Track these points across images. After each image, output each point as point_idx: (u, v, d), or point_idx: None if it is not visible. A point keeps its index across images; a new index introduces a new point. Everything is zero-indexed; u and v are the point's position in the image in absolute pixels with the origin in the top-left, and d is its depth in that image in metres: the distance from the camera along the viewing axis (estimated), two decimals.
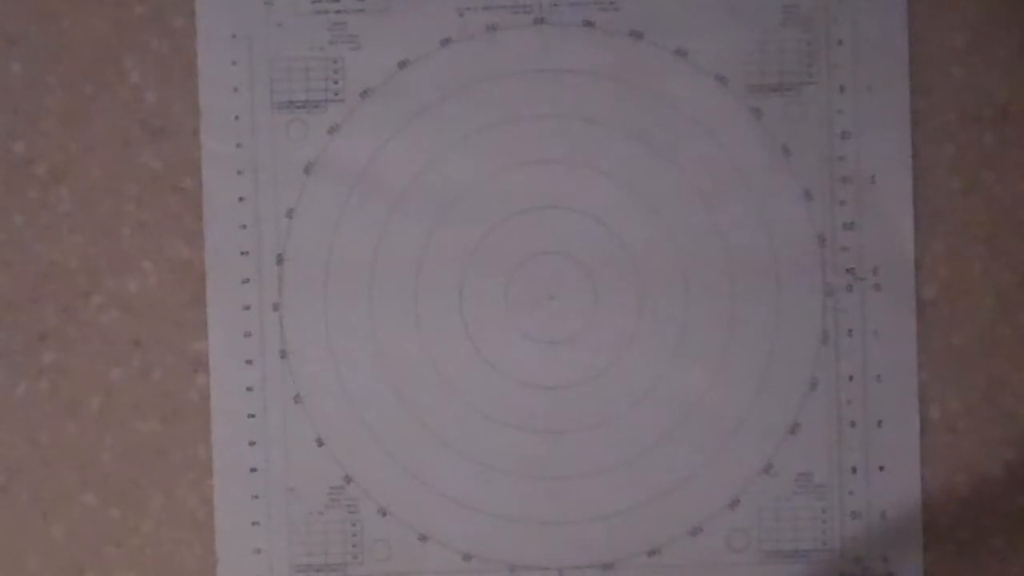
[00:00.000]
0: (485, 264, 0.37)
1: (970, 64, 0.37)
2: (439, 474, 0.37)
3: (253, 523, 0.37)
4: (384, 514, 0.37)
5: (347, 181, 0.37)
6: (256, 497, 0.37)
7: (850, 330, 0.36)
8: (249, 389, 0.37)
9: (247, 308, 0.37)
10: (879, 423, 0.36)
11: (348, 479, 0.37)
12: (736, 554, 0.36)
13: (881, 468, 0.36)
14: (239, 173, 0.37)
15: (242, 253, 0.37)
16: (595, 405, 0.37)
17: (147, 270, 0.37)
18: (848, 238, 0.36)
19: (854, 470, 0.36)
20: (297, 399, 0.37)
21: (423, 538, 0.37)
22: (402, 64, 0.37)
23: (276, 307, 0.37)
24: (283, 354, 0.37)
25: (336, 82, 0.37)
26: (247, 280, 0.37)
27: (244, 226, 0.37)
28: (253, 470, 0.37)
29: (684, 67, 0.37)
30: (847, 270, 0.36)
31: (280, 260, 0.37)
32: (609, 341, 0.37)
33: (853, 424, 0.36)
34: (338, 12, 0.37)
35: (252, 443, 0.37)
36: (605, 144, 0.37)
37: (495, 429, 0.37)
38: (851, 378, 0.36)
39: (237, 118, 0.37)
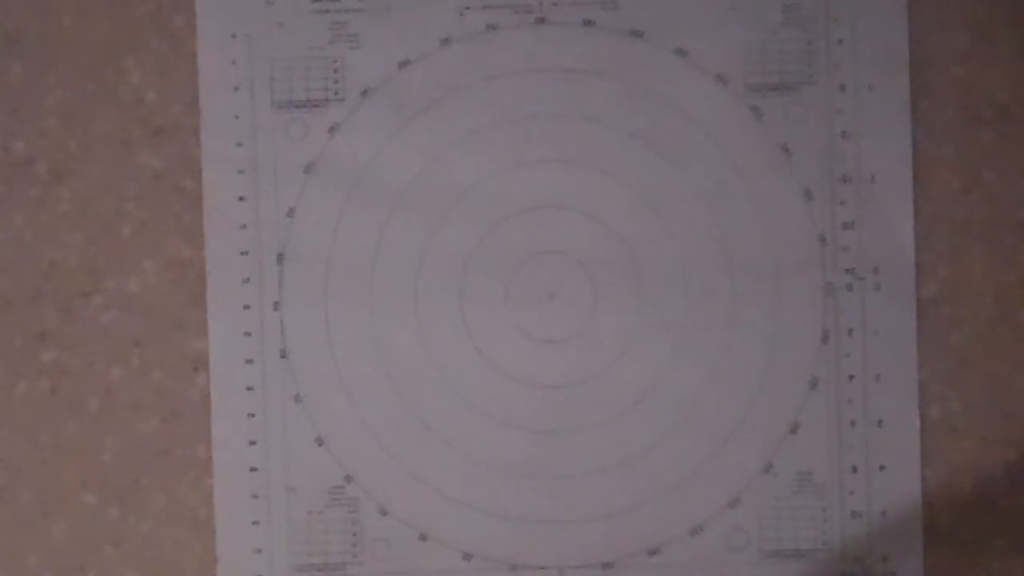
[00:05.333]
0: (485, 264, 0.37)
1: (970, 64, 0.37)
2: (439, 474, 0.37)
3: (253, 522, 0.37)
4: (384, 513, 0.37)
5: (347, 181, 0.37)
6: (256, 497, 0.37)
7: (850, 330, 0.36)
8: (249, 389, 0.37)
9: (247, 308, 0.37)
10: (879, 423, 0.36)
11: (348, 479, 0.37)
12: (736, 554, 0.36)
13: (881, 468, 0.36)
14: (239, 173, 0.37)
15: (242, 253, 0.37)
16: (595, 405, 0.37)
17: (147, 270, 0.37)
18: (848, 238, 0.36)
19: (854, 469, 0.36)
20: (297, 399, 0.37)
21: (423, 537, 0.37)
22: (402, 64, 0.37)
23: (276, 307, 0.37)
24: (283, 354, 0.37)
25: (336, 82, 0.37)
26: (247, 280, 0.37)
27: (244, 226, 0.37)
28: (253, 469, 0.37)
29: (684, 67, 0.37)
30: (847, 270, 0.36)
31: (280, 260, 0.37)
32: (609, 341, 0.37)
33: (853, 424, 0.36)
34: (338, 12, 0.37)
35: (252, 442, 0.37)
36: (605, 144, 0.37)
37: (495, 429, 0.37)
38: (851, 377, 0.36)
39: (237, 118, 0.37)
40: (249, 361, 0.37)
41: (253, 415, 0.37)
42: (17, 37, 0.37)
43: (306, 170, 0.37)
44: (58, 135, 0.37)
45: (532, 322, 0.37)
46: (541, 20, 0.37)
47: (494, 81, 0.37)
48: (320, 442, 0.37)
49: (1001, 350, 0.36)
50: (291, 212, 0.37)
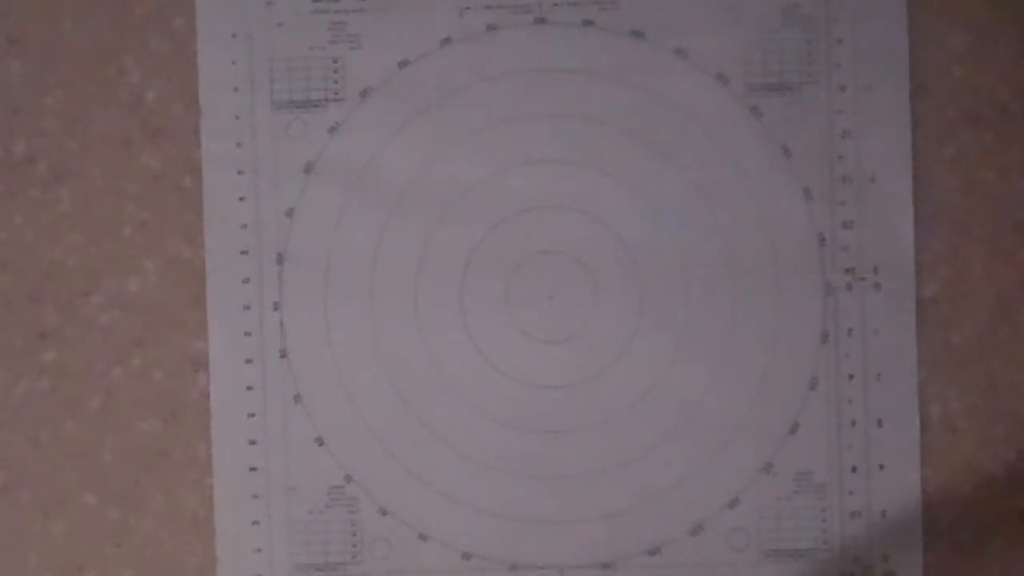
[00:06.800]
0: (485, 264, 0.37)
1: (970, 64, 0.37)
2: (439, 474, 0.37)
3: (253, 522, 0.37)
4: (384, 513, 0.37)
5: (347, 181, 0.37)
6: (256, 496, 0.37)
7: (850, 330, 0.36)
8: (249, 388, 0.37)
9: (247, 308, 0.37)
10: (879, 422, 0.36)
11: (348, 479, 0.37)
12: (736, 554, 0.36)
13: (881, 467, 0.36)
14: (239, 173, 0.37)
15: (242, 253, 0.37)
16: (595, 405, 0.37)
17: (147, 270, 0.37)
18: (848, 238, 0.36)
19: (854, 469, 0.36)
20: (297, 399, 0.37)
21: (423, 537, 0.37)
22: (402, 64, 0.37)
23: (276, 307, 0.37)
24: (283, 354, 0.37)
25: (336, 82, 0.37)
26: (247, 280, 0.37)
27: (244, 226, 0.37)
28: (253, 469, 0.37)
29: (684, 67, 0.37)
30: (847, 270, 0.36)
31: (280, 260, 0.37)
32: (609, 341, 0.37)
33: (853, 423, 0.36)
34: (338, 12, 0.37)
35: (252, 442, 0.37)
36: (605, 144, 0.37)
37: (495, 429, 0.37)
38: (851, 377, 0.36)
39: (237, 118, 0.37)
40: (249, 361, 0.37)
41: (253, 415, 0.37)
42: (17, 37, 0.37)
43: (306, 170, 0.37)
44: (58, 135, 0.37)
45: (532, 322, 0.37)
46: (541, 20, 0.37)
47: (494, 81, 0.37)
48: (320, 442, 0.37)
49: (1001, 350, 0.36)
50: (291, 212, 0.37)
